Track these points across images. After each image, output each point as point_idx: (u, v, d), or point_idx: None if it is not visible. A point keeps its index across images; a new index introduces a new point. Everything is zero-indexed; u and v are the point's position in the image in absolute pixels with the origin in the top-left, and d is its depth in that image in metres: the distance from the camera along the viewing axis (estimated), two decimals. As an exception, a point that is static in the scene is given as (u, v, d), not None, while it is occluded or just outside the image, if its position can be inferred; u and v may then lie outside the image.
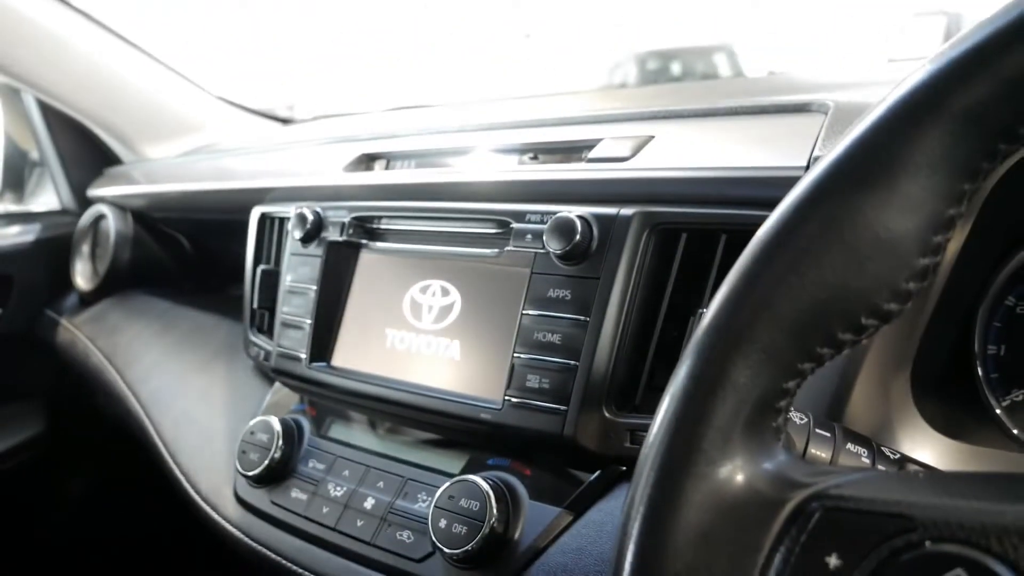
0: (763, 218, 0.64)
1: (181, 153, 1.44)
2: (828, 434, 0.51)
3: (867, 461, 0.51)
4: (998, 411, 0.65)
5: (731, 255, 0.65)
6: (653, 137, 0.76)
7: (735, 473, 0.37)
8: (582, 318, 0.68)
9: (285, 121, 1.62)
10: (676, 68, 7.86)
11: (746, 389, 0.37)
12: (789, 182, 0.64)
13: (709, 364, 0.38)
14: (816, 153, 0.63)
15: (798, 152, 0.65)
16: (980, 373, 0.66)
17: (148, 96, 1.46)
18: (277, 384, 0.98)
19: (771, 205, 0.65)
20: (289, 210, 0.97)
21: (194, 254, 1.47)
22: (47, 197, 1.60)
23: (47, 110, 1.51)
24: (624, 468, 0.69)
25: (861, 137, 0.37)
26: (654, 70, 7.82)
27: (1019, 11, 0.33)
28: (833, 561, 0.33)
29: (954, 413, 0.65)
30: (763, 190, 0.65)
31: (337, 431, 0.88)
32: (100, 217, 1.43)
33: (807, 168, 0.63)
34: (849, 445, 0.52)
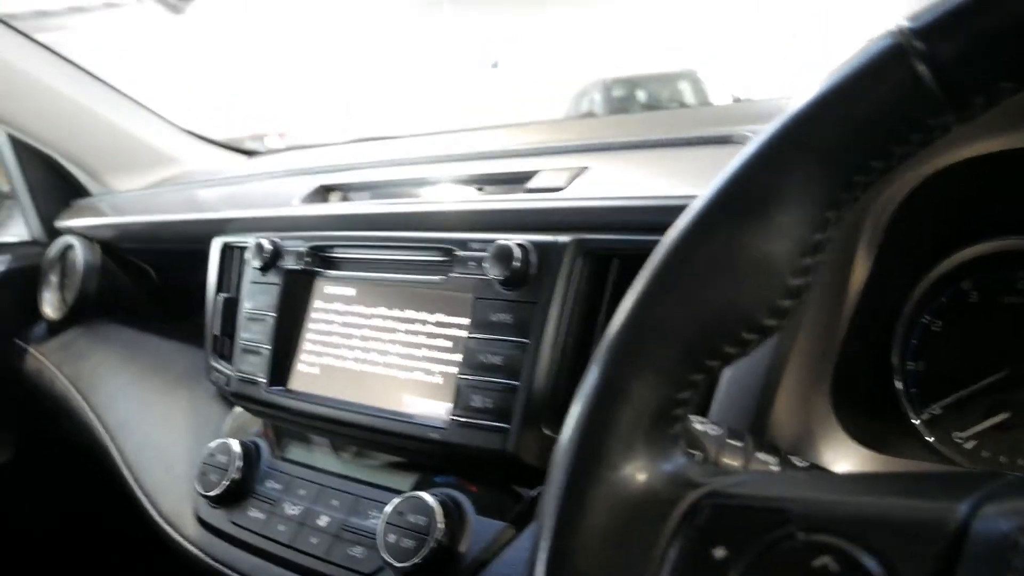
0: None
1: (147, 185, 1.47)
2: (740, 444, 0.55)
3: (775, 469, 0.55)
4: (916, 423, 0.68)
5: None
6: (587, 168, 0.80)
7: (636, 475, 0.40)
8: (522, 340, 0.72)
9: (250, 153, 1.65)
10: (641, 95, 7.99)
11: (642, 401, 0.41)
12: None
13: (608, 379, 0.41)
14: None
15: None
16: (900, 388, 0.70)
17: (115, 129, 1.49)
18: (237, 408, 1.01)
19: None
20: (249, 240, 1.01)
21: (160, 283, 1.49)
22: (17, 228, 1.62)
23: (16, 143, 1.53)
24: (563, 482, 0.72)
25: (738, 171, 0.41)
26: (619, 97, 7.93)
27: (862, 59, 0.37)
28: (719, 552, 0.37)
29: (875, 425, 0.68)
30: (686, 218, 0.69)
31: (295, 452, 0.91)
32: (68, 248, 1.45)
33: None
34: (759, 454, 0.55)
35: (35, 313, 1.47)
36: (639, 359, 0.41)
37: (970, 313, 0.68)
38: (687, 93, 7.96)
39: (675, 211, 0.71)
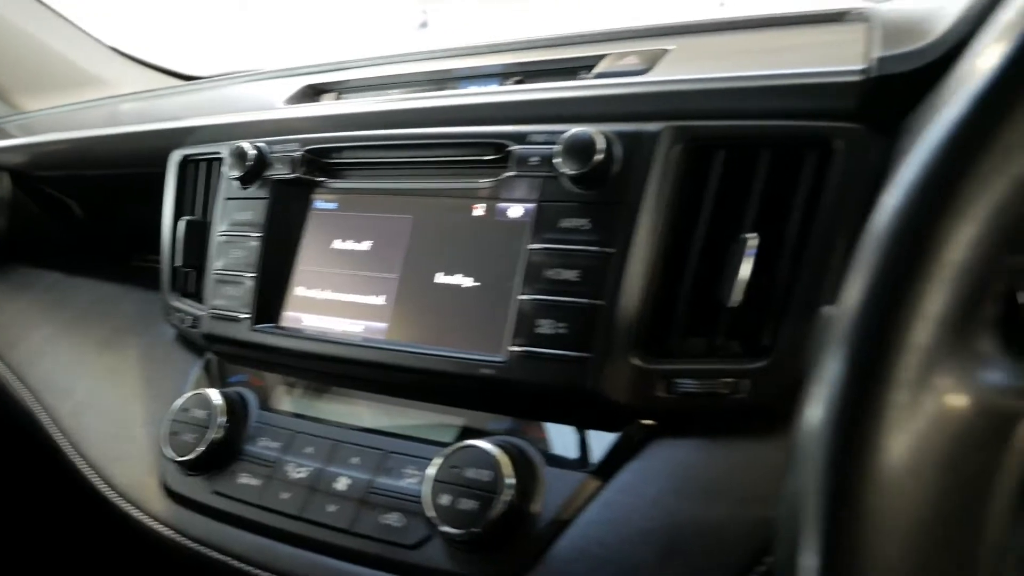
0: (814, 129, 0.56)
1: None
2: None
3: None
4: None
5: (776, 173, 0.57)
6: (668, 50, 0.67)
7: (947, 392, 0.28)
8: (605, 249, 0.58)
9: (190, 79, 1.43)
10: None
11: (940, 308, 0.29)
12: (845, 88, 0.56)
13: (890, 281, 0.29)
14: (879, 54, 0.55)
15: (849, 57, 0.57)
16: None
17: (30, 41, 1.26)
18: (205, 358, 0.83)
19: (824, 116, 0.57)
20: (220, 150, 0.83)
21: (86, 221, 1.27)
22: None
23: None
24: (655, 423, 0.59)
25: None
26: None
27: None
28: None
29: None
30: (817, 100, 0.57)
31: (291, 404, 0.74)
32: (-31, 179, 1.22)
33: (864, 73, 0.55)
34: None
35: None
36: (933, 250, 0.29)
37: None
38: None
39: (800, 91, 0.59)
